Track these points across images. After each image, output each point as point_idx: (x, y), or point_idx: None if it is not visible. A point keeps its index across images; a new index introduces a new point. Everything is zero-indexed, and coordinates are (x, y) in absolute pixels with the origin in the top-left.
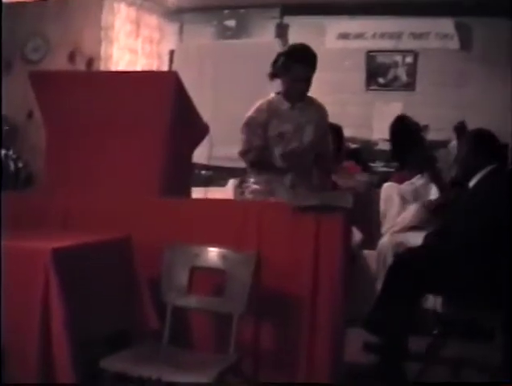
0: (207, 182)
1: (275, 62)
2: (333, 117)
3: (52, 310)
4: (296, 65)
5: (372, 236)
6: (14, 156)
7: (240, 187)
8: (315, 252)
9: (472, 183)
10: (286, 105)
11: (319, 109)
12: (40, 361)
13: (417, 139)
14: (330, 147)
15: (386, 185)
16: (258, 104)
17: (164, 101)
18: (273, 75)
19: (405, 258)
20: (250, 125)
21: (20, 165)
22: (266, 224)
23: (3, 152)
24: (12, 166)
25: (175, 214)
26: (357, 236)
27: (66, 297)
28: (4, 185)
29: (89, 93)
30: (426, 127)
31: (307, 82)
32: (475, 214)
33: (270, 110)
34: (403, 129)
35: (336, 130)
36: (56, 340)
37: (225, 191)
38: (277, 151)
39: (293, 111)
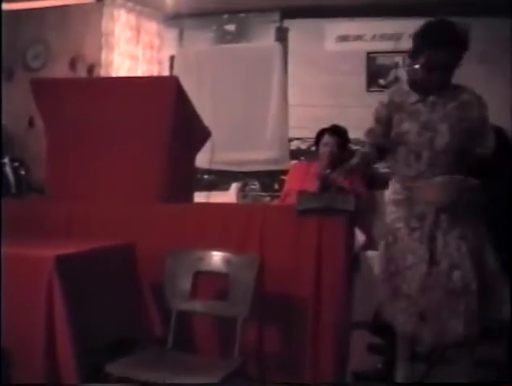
0: (209, 187)
1: (413, 42)
2: (335, 120)
3: (56, 316)
4: (430, 50)
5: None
6: (15, 164)
7: (243, 191)
8: (318, 254)
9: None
10: (413, 98)
11: (466, 103)
12: (45, 366)
13: None
14: (489, 148)
15: None
16: (386, 92)
17: (165, 106)
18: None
19: None
20: (375, 119)
21: (22, 172)
22: (269, 228)
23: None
24: (11, 174)
25: (178, 219)
26: (359, 238)
27: (69, 303)
28: (4, 193)
29: (90, 100)
30: None
31: (446, 70)
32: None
33: (393, 104)
34: None
35: (342, 133)
36: (61, 346)
37: (228, 195)
38: (400, 154)
39: (422, 105)
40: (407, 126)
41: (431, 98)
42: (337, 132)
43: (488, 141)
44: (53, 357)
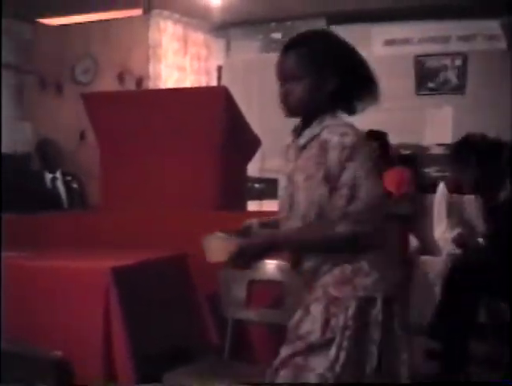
0: (260, 196)
1: None
2: (384, 124)
3: (114, 327)
4: None
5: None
6: (68, 178)
7: None
8: None
9: None
10: (289, 138)
11: (326, 142)
12: (103, 375)
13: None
14: (338, 209)
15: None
16: None
17: (215, 116)
18: None
19: (462, 263)
20: None
21: (75, 186)
22: None
23: (50, 175)
24: (63, 188)
25: (231, 227)
26: (413, 243)
27: (126, 314)
28: (57, 207)
29: (141, 112)
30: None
31: (291, 86)
32: None
33: (284, 148)
34: (464, 149)
35: (381, 136)
36: (118, 356)
37: None
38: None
39: (293, 147)
40: (280, 177)
41: (300, 138)
42: (375, 137)
43: (337, 200)
44: (111, 367)
